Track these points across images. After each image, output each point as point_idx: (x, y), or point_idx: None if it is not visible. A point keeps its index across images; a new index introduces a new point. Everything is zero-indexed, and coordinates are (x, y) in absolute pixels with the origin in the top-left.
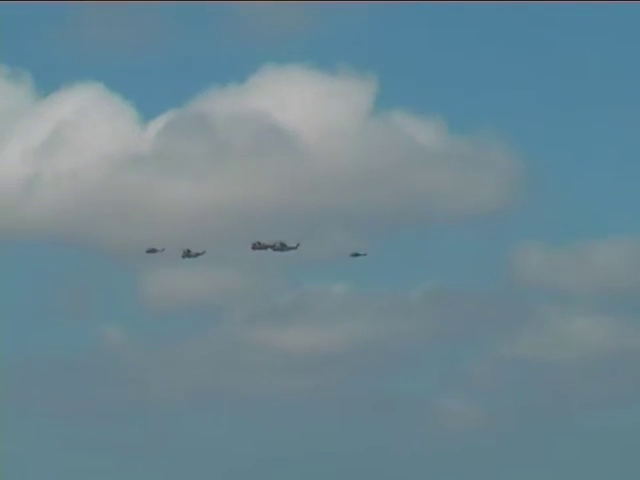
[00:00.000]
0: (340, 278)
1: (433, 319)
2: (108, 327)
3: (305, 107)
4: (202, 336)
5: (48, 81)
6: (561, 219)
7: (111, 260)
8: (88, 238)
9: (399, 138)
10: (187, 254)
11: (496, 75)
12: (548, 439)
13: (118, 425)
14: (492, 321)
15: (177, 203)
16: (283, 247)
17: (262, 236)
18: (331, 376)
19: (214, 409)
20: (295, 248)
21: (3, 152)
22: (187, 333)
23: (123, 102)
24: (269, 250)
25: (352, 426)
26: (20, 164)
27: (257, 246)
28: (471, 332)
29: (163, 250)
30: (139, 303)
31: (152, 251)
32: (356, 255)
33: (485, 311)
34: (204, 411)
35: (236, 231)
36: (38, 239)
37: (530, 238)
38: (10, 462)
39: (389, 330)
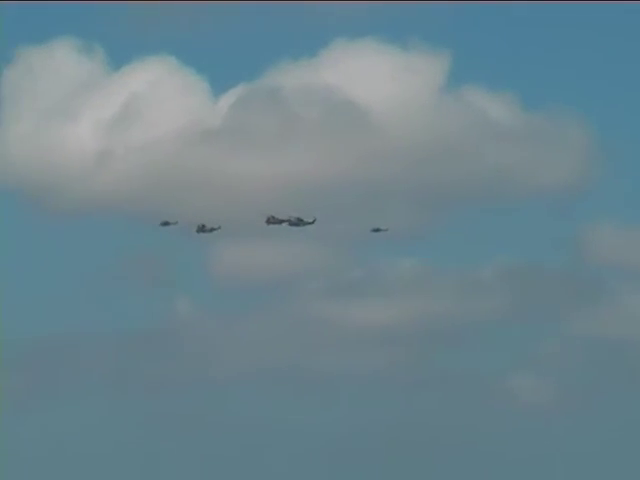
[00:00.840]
0: (411, 253)
1: (504, 296)
2: (178, 301)
3: (377, 82)
4: (272, 311)
5: (120, 54)
6: (636, 196)
7: (182, 234)
8: (159, 212)
9: (471, 114)
10: (201, 229)
11: (571, 50)
12: (621, 418)
13: (186, 400)
14: (564, 299)
15: (248, 177)
16: (299, 222)
17: (331, 210)
18: (401, 352)
19: (283, 385)
20: (312, 223)
21: (75, 126)
22: (258, 308)
23: (195, 76)
24: (284, 225)
25: (422, 403)
26: (92, 138)
27: (272, 220)
28: (543, 310)
29: (176, 223)
30: (210, 277)
31: (166, 224)
32: (377, 230)
33: (557, 289)
34: (273, 387)
35: (306, 205)
36: (109, 213)
37: (604, 215)
38: (80, 436)
39: (460, 307)
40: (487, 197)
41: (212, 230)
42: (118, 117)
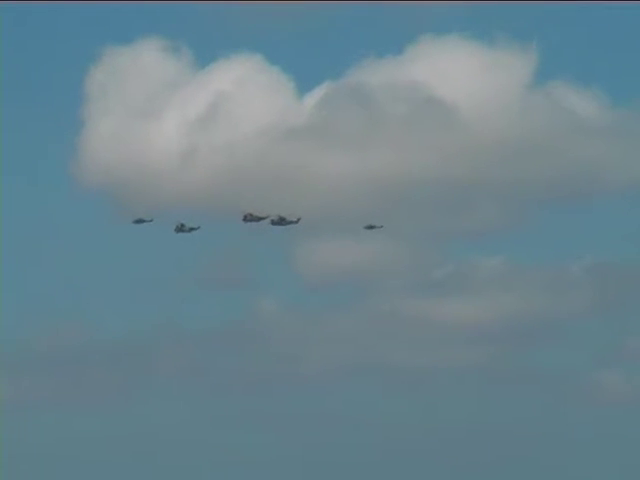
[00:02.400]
0: (498, 251)
1: (593, 293)
2: (263, 298)
3: (463, 78)
4: (358, 308)
5: (206, 53)
6: None
7: (267, 231)
8: (244, 208)
9: (558, 110)
10: (180, 228)
11: None
12: None
13: (271, 397)
14: None
15: (334, 175)
16: (282, 221)
17: (417, 207)
18: (488, 349)
19: (368, 382)
20: (296, 222)
21: (161, 124)
22: (342, 305)
23: (281, 74)
24: (263, 222)
25: (508, 399)
26: (178, 136)
27: (249, 218)
28: (631, 307)
29: (152, 221)
30: (295, 274)
31: (140, 221)
32: (371, 227)
33: None
34: (358, 383)
35: (392, 202)
36: (194, 211)
37: None
38: (160, 434)
39: (548, 304)
40: (574, 194)
41: (191, 230)
42: (203, 116)
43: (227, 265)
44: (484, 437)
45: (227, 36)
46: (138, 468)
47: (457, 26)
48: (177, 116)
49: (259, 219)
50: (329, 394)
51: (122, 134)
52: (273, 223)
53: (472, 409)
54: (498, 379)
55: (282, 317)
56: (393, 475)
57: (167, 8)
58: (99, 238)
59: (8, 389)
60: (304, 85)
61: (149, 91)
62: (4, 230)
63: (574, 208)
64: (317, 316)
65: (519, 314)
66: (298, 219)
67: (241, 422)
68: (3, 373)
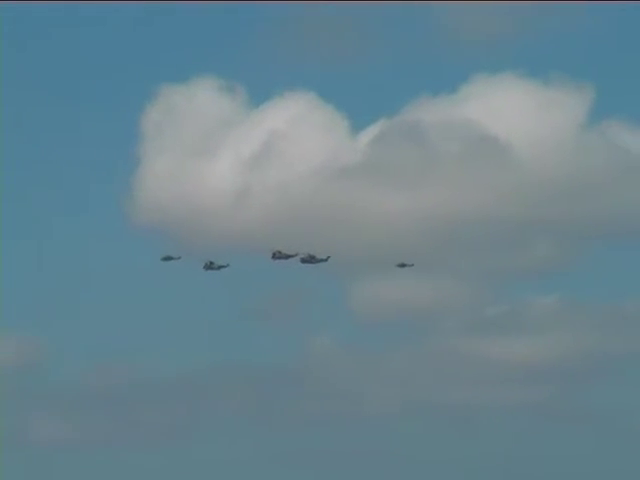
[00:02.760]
0: (552, 289)
1: None
2: (318, 336)
3: (517, 117)
4: (412, 346)
5: (260, 91)
6: None
7: (321, 269)
8: (298, 247)
9: (613, 149)
10: (209, 266)
11: None
12: None
13: (326, 435)
14: None
15: (388, 213)
16: (312, 259)
17: (471, 246)
18: (543, 387)
19: (422, 419)
20: (325, 260)
21: (215, 163)
22: (397, 343)
23: (335, 112)
24: (291, 260)
25: (563, 437)
26: (231, 175)
27: (277, 255)
28: None
29: (179, 258)
30: (349, 312)
31: (168, 259)
32: (403, 266)
33: None
34: (413, 421)
35: (447, 240)
36: (248, 250)
37: None
38: (214, 473)
39: (603, 342)
40: (629, 232)
41: (220, 267)
42: (257, 154)
43: (282, 304)
44: (540, 476)
45: (281, 74)
46: None
47: (511, 64)
48: (231, 155)
49: (287, 257)
50: (385, 432)
51: (177, 173)
52: (303, 261)
53: (528, 447)
54: (554, 417)
55: (337, 355)
56: None
57: (222, 48)
58: (152, 277)
59: (62, 428)
60: (358, 123)
61: (204, 130)
62: (58, 269)
63: (629, 245)
64: (372, 354)
65: (574, 352)
66: (328, 257)
67: (297, 460)
68: (56, 412)
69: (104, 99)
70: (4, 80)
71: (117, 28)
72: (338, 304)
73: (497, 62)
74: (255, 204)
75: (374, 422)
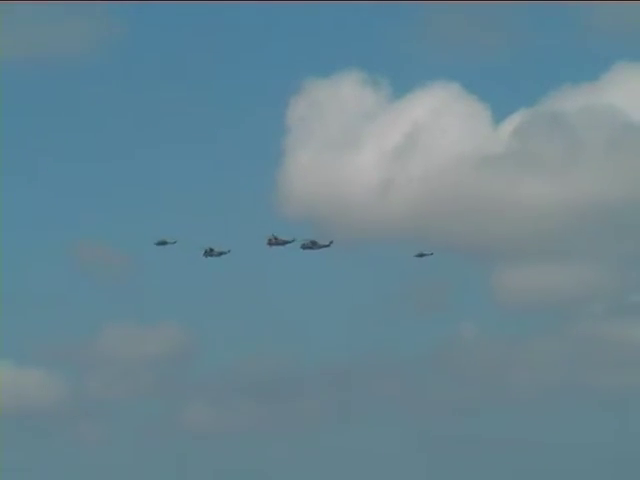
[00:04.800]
0: None
1: None
2: (463, 323)
3: None
4: (557, 332)
5: (403, 83)
6: None
7: (465, 257)
8: (442, 237)
9: None
10: (209, 253)
11: None
12: None
13: (477, 421)
14: None
15: (531, 201)
16: (314, 245)
17: (615, 232)
18: None
19: (569, 404)
20: (328, 246)
21: (359, 155)
22: (542, 329)
23: (478, 102)
24: (287, 246)
25: None
26: (375, 167)
27: (273, 242)
28: None
29: (174, 242)
30: (494, 299)
31: (162, 243)
32: (421, 255)
33: None
34: (560, 406)
35: (591, 227)
36: (392, 240)
37: None
38: (370, 457)
39: None
40: None
41: (221, 254)
42: (400, 146)
43: (426, 292)
44: None
45: (424, 66)
46: None
47: None
48: (374, 147)
49: (284, 243)
50: (533, 417)
51: (321, 165)
52: (304, 247)
53: None
54: None
55: (482, 342)
56: None
57: (366, 42)
58: (297, 266)
59: (213, 416)
60: (500, 113)
61: (348, 122)
62: (210, 265)
63: None
64: (516, 340)
65: None
66: (330, 242)
67: (447, 445)
68: (207, 401)
69: (250, 93)
70: (150, 80)
71: (264, 24)
72: (483, 292)
73: (638, 50)
74: (399, 195)
75: (520, 407)
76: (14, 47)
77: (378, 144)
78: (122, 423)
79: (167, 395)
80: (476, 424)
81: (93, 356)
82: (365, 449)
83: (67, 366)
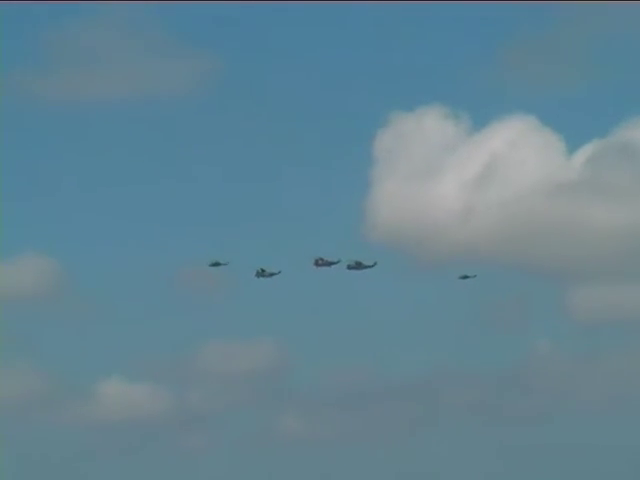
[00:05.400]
0: None
1: None
2: (538, 340)
3: None
4: (630, 350)
5: (482, 116)
6: None
7: (541, 278)
8: (519, 259)
9: None
10: (261, 273)
11: None
12: None
13: (545, 434)
14: None
15: (602, 227)
16: (359, 265)
17: None
18: None
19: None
20: (372, 267)
21: (440, 185)
22: (615, 347)
23: (552, 134)
24: (333, 267)
25: None
26: (455, 196)
27: (320, 263)
28: None
29: (227, 264)
30: (567, 317)
31: (216, 264)
32: (465, 277)
33: None
34: (631, 414)
35: None
36: (473, 264)
37: None
38: (445, 470)
39: None
40: None
41: (272, 275)
42: (479, 176)
43: (503, 311)
44: None
45: (502, 100)
46: None
47: None
48: (455, 177)
49: (330, 264)
50: (598, 432)
51: (405, 193)
52: (349, 267)
53: None
54: None
55: (557, 358)
56: None
57: (447, 78)
58: (388, 287)
59: (306, 427)
60: (573, 143)
61: (430, 154)
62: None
63: None
64: (589, 357)
65: None
66: (374, 263)
67: (515, 456)
68: (300, 412)
69: (338, 125)
70: (245, 114)
71: (354, 61)
72: (556, 310)
73: None
74: (479, 221)
75: (588, 423)
76: (116, 85)
77: (459, 174)
78: (221, 433)
79: (262, 407)
80: (549, 432)
81: (194, 371)
82: (445, 456)
83: (171, 380)
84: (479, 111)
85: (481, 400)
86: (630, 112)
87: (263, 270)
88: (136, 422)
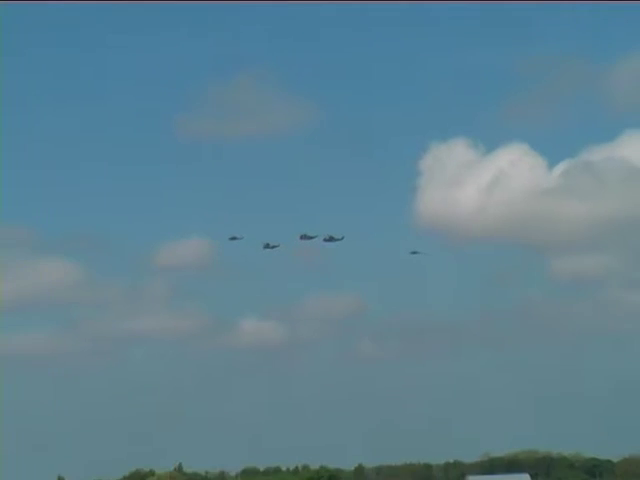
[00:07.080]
0: None
1: None
2: (530, 293)
3: None
4: (593, 298)
5: (491, 144)
6: None
7: (532, 251)
8: (517, 239)
9: None
10: (267, 246)
11: None
12: None
13: (538, 355)
14: None
15: (573, 217)
16: (331, 239)
17: None
18: None
19: None
20: (341, 239)
21: (464, 190)
22: (582, 296)
23: (538, 156)
24: (315, 240)
25: None
26: (473, 197)
27: (304, 237)
28: None
29: (242, 238)
30: (550, 277)
31: (234, 238)
32: (415, 253)
33: None
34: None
35: None
36: (486, 242)
37: None
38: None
39: None
40: None
41: (274, 247)
42: (490, 184)
43: (506, 273)
44: None
45: (506, 130)
46: None
47: None
48: (473, 184)
49: (311, 237)
50: (579, 351)
51: (443, 196)
52: (325, 240)
53: None
54: None
55: (544, 305)
56: None
57: (471, 114)
58: (430, 260)
59: (373, 350)
60: (552, 162)
61: (456, 170)
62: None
63: None
64: (566, 304)
65: None
66: (342, 237)
67: (525, 373)
68: (371, 337)
69: (397, 149)
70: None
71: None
72: (542, 272)
73: None
74: (489, 215)
75: (570, 345)
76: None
77: (476, 183)
78: (318, 356)
79: (346, 337)
80: (541, 354)
81: (301, 313)
82: (470, 373)
83: (286, 320)
84: (490, 140)
85: (493, 332)
86: (589, 141)
87: (267, 244)
88: (263, 347)
